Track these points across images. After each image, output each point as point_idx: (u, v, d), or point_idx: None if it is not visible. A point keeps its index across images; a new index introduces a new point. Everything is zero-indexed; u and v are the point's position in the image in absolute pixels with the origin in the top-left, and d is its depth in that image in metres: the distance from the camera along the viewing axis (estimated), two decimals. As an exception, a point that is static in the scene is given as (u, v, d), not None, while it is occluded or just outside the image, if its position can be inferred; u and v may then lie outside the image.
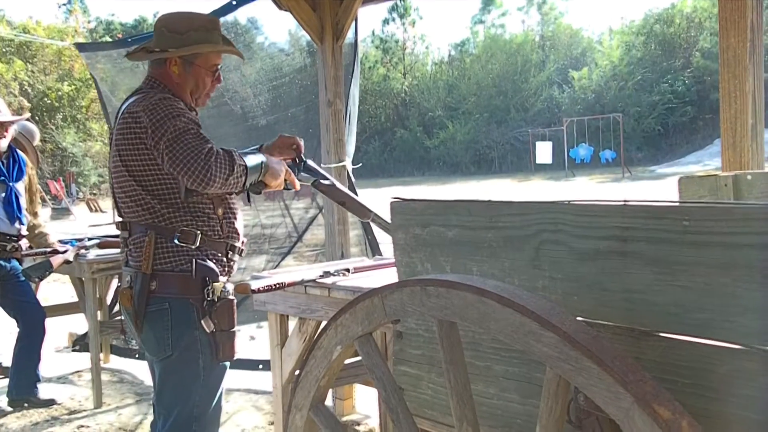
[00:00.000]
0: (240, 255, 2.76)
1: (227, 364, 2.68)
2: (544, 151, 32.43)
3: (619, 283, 1.31)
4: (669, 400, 1.03)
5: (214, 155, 2.41)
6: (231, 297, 2.58)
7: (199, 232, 2.55)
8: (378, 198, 5.92)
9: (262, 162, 2.59)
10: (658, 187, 20.12)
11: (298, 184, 2.79)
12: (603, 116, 32.32)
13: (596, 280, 1.35)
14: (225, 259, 2.66)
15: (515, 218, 1.49)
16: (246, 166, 2.50)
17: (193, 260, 2.54)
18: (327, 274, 3.12)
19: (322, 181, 2.92)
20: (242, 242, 2.77)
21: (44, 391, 4.95)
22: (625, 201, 1.31)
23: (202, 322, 2.53)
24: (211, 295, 2.52)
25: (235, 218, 2.71)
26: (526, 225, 1.47)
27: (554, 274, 1.42)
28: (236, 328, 2.62)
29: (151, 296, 2.53)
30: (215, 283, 2.54)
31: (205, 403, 2.62)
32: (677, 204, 1.25)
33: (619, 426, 1.08)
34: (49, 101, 33.68)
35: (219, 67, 2.73)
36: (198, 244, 2.55)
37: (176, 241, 2.53)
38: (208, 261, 2.56)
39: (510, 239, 1.50)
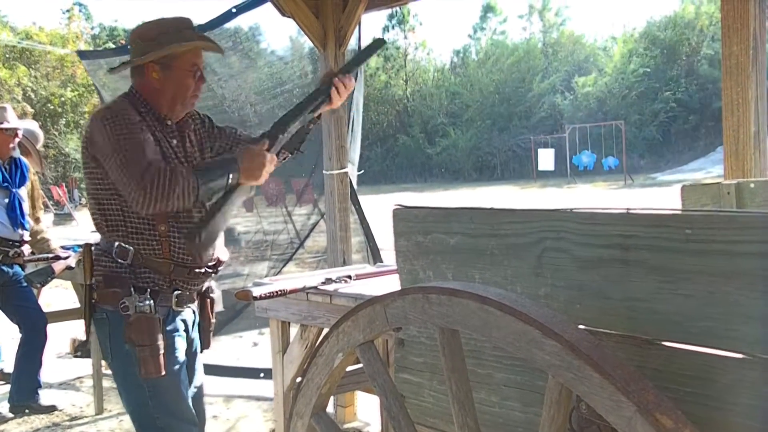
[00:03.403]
0: (201, 278, 2.65)
1: (181, 377, 2.59)
2: (546, 158, 32.45)
3: (622, 291, 1.31)
4: (671, 409, 1.03)
5: (151, 175, 2.31)
6: (148, 312, 2.46)
7: (131, 248, 2.49)
8: (380, 204, 5.92)
9: (228, 175, 2.43)
10: (660, 195, 20.10)
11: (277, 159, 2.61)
12: (605, 123, 32.33)
13: (599, 288, 1.34)
14: (167, 281, 2.54)
15: (517, 226, 1.49)
16: (196, 184, 2.37)
17: (103, 272, 2.52)
18: (329, 281, 3.12)
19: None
20: (203, 265, 2.62)
21: (45, 397, 4.95)
22: (627, 209, 1.31)
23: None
24: (125, 310, 2.45)
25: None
26: (528, 233, 1.47)
27: (557, 282, 1.42)
28: (159, 343, 2.48)
29: (95, 305, 2.55)
30: (127, 297, 2.46)
31: (167, 416, 2.55)
32: (680, 212, 1.25)
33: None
34: (52, 107, 33.76)
35: (200, 66, 2.62)
36: (130, 261, 2.50)
37: (113, 255, 2.49)
38: (126, 275, 2.49)
39: (512, 247, 1.50)
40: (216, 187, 2.43)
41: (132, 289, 2.47)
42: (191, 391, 2.74)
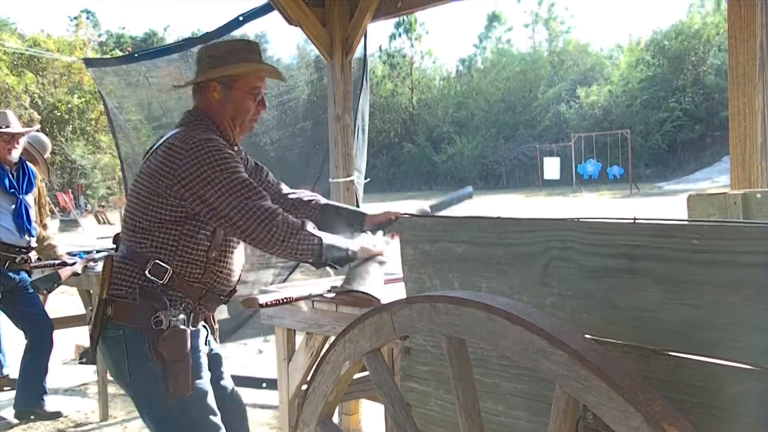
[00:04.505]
0: (219, 303, 2.68)
1: (206, 388, 2.55)
2: (551, 167, 32.46)
3: (629, 301, 1.31)
4: (678, 420, 1.03)
5: (276, 215, 2.39)
6: (182, 327, 2.44)
7: (169, 268, 2.46)
8: (385, 212, 5.92)
9: (347, 250, 2.57)
10: (666, 204, 20.07)
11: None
12: (611, 132, 32.33)
13: (605, 297, 1.35)
14: (194, 304, 2.54)
15: (524, 235, 1.49)
16: (320, 246, 2.47)
17: (137, 286, 2.45)
18: (334, 288, 3.12)
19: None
20: (227, 292, 2.67)
21: (51, 403, 4.96)
22: (634, 219, 1.31)
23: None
24: (158, 325, 2.40)
25: (230, 266, 2.63)
26: (535, 242, 1.47)
27: (563, 292, 1.42)
28: (189, 359, 2.45)
29: (108, 322, 2.47)
30: (162, 311, 2.41)
31: (200, 427, 2.52)
32: (687, 222, 1.25)
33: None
34: (58, 113, 33.87)
35: (262, 90, 2.64)
36: (165, 281, 2.46)
37: (147, 273, 2.44)
38: (163, 296, 2.45)
39: (519, 256, 1.50)
40: (333, 256, 2.53)
41: (168, 303, 2.45)
42: (223, 391, 2.76)
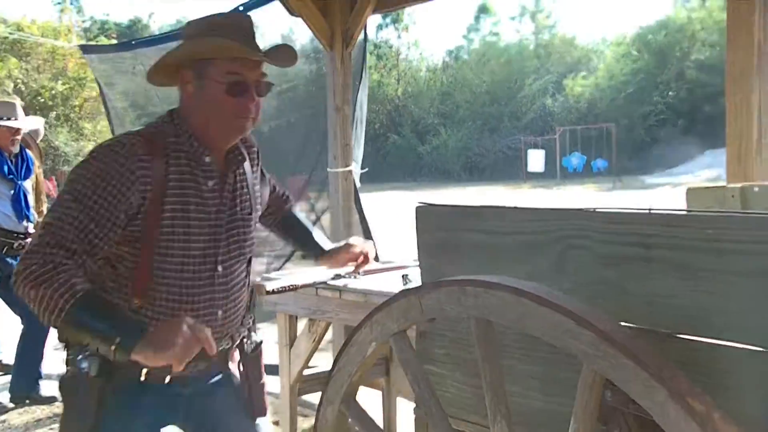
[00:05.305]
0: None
1: None
2: (536, 159, 32.56)
3: (643, 287, 1.37)
4: (701, 395, 1.10)
5: (38, 258, 1.71)
6: (83, 371, 1.92)
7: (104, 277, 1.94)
8: (371, 203, 5.97)
9: (118, 340, 1.69)
10: (650, 197, 20.22)
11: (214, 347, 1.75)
12: (596, 126, 32.49)
13: (620, 284, 1.41)
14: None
15: (539, 224, 1.55)
16: (65, 306, 1.69)
17: None
18: (338, 276, 3.18)
19: None
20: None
21: (46, 388, 5.00)
22: (649, 209, 1.38)
23: None
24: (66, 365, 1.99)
25: (178, 304, 1.95)
26: (550, 231, 1.53)
27: (579, 279, 1.48)
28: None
29: None
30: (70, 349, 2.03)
31: None
32: (700, 213, 1.33)
33: (648, 422, 1.15)
34: (42, 100, 33.54)
35: (247, 77, 1.91)
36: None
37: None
38: None
39: (534, 244, 1.56)
40: (90, 333, 1.77)
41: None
42: None
